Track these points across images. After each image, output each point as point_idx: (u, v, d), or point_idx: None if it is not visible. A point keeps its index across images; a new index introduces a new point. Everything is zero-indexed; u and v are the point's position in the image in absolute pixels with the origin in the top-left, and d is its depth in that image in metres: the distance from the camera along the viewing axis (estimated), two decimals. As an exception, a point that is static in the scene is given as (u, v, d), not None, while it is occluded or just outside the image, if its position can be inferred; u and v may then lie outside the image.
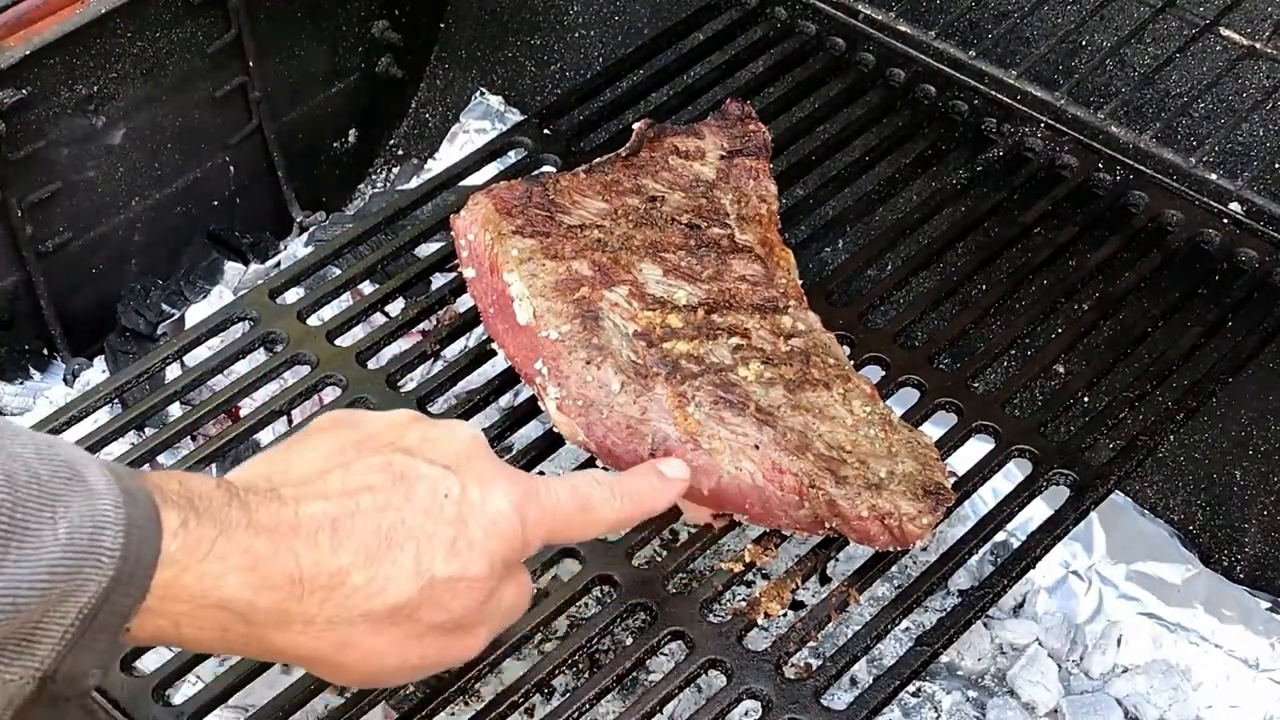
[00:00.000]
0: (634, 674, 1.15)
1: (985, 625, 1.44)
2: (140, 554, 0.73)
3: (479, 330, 1.31)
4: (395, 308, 1.45)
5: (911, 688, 1.37)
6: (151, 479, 0.78)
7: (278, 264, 1.79)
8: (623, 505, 0.96)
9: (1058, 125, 1.44)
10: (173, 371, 1.36)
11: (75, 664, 0.71)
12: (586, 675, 1.32)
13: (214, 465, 1.28)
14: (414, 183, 1.89)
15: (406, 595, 0.83)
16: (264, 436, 1.34)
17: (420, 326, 1.37)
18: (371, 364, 1.29)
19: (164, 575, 0.75)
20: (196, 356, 1.35)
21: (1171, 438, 1.30)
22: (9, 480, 0.69)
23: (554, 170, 1.43)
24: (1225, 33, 1.48)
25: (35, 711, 0.71)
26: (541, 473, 1.37)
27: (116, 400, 1.32)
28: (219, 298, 1.74)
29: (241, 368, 1.32)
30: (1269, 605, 1.44)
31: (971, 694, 1.39)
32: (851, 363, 1.23)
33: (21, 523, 0.68)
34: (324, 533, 0.82)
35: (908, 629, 1.40)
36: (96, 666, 0.72)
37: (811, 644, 1.29)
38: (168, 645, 0.85)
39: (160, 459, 1.31)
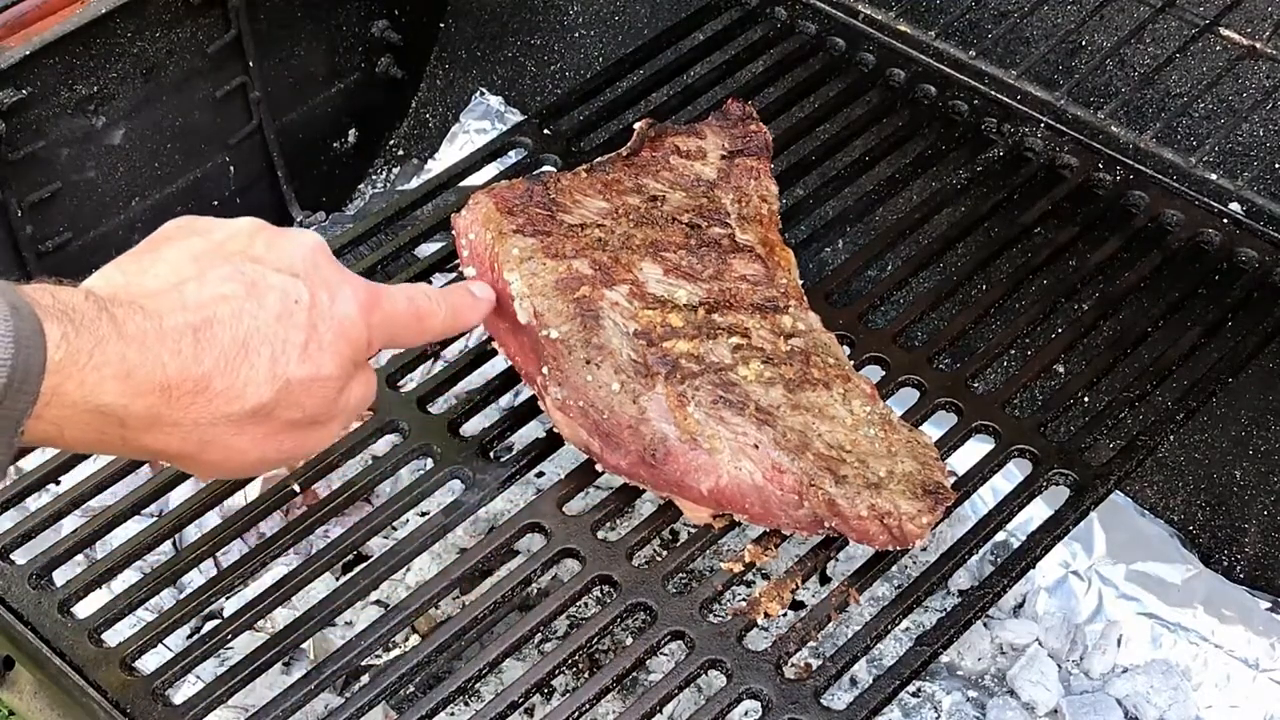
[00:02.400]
0: (634, 674, 1.15)
1: (985, 625, 1.44)
2: (29, 363, 0.78)
3: (479, 330, 1.31)
4: (395, 308, 1.45)
5: (911, 688, 1.37)
6: (27, 292, 0.83)
7: (278, 264, 1.79)
8: (446, 315, 1.05)
9: (1058, 125, 1.44)
10: (173, 371, 1.36)
11: None
12: (586, 675, 1.32)
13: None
14: (414, 183, 1.89)
15: (264, 398, 0.90)
16: (264, 436, 1.33)
17: (420, 326, 1.37)
18: (371, 364, 1.29)
19: (49, 383, 0.81)
20: (196, 356, 1.35)
21: (1171, 438, 1.30)
22: None
23: (554, 170, 1.43)
24: (1225, 33, 1.48)
25: None
26: (542, 474, 1.38)
27: (116, 400, 1.32)
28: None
29: (241, 368, 1.31)
30: (1269, 605, 1.44)
31: (971, 694, 1.39)
32: (851, 363, 1.23)
33: None
34: (187, 341, 0.88)
35: (908, 629, 1.40)
36: None
37: (811, 644, 1.29)
38: (51, 446, 0.92)
39: (160, 459, 1.31)
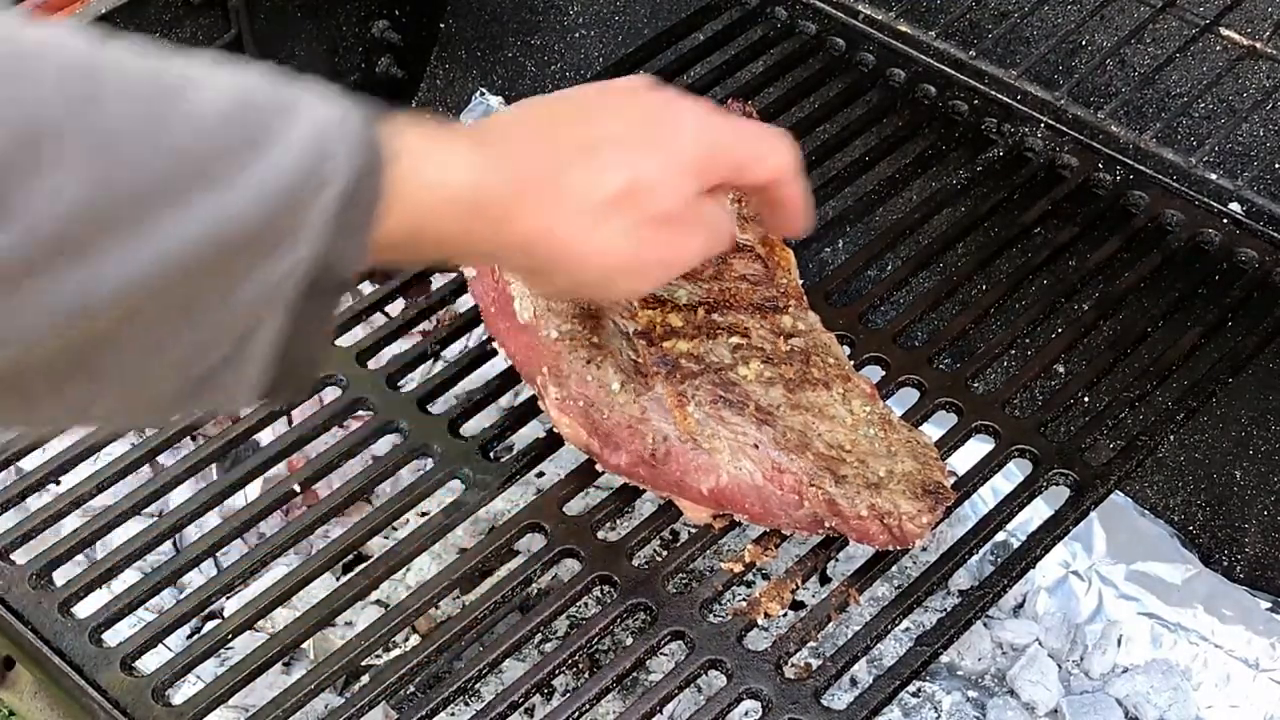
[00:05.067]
0: (634, 674, 1.15)
1: (985, 625, 1.44)
2: (379, 148, 0.77)
3: (479, 330, 1.31)
4: (395, 308, 1.45)
5: (911, 688, 1.37)
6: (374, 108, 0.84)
7: (278, 264, 1.79)
8: (778, 156, 1.02)
9: (1058, 125, 1.44)
10: (173, 371, 1.36)
11: (338, 249, 0.75)
12: (586, 675, 1.32)
13: (214, 465, 1.28)
14: (414, 183, 1.89)
15: (619, 184, 0.91)
16: (264, 436, 1.34)
17: (420, 326, 1.38)
18: (371, 364, 1.29)
19: (409, 163, 0.81)
20: (196, 356, 1.35)
21: (1171, 438, 1.30)
22: (262, 82, 0.74)
23: (554, 170, 1.42)
24: (1225, 33, 1.48)
25: (302, 305, 0.75)
26: (542, 474, 1.38)
27: (116, 400, 1.32)
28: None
29: (241, 368, 1.31)
30: (1269, 605, 1.44)
31: (971, 694, 1.39)
32: (851, 362, 1.23)
33: (264, 127, 0.72)
34: (540, 134, 0.92)
35: (908, 629, 1.40)
36: (357, 251, 0.77)
37: (811, 644, 1.29)
38: (414, 252, 0.88)
39: (160, 459, 1.31)
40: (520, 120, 0.95)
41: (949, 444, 1.21)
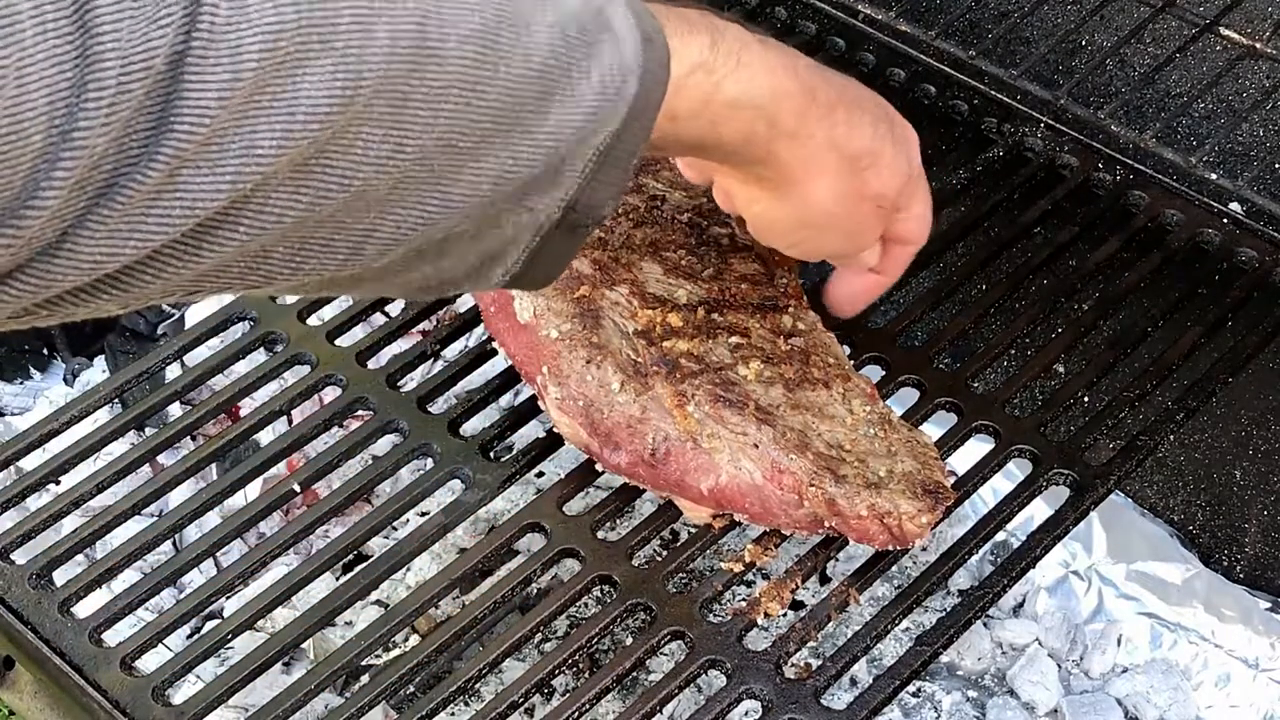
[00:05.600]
0: (634, 674, 1.15)
1: (985, 625, 1.44)
2: (651, 98, 0.83)
3: (479, 330, 1.31)
4: (395, 307, 1.45)
5: (911, 688, 1.37)
6: (678, 13, 0.90)
7: (278, 264, 1.79)
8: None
9: (1058, 125, 1.44)
10: (173, 371, 1.37)
11: (593, 195, 0.82)
12: (586, 675, 1.32)
13: (214, 465, 1.28)
14: (414, 183, 1.89)
15: (867, 145, 1.00)
16: (264, 436, 1.34)
17: (420, 326, 1.38)
18: (371, 364, 1.29)
19: (707, 84, 0.90)
20: (196, 356, 1.35)
21: (1171, 438, 1.30)
22: (563, 33, 0.78)
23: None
24: (1225, 32, 1.48)
25: (556, 235, 0.82)
26: (542, 473, 1.37)
27: (116, 400, 1.32)
28: (219, 297, 1.74)
29: (241, 367, 1.32)
30: (1269, 605, 1.44)
31: (971, 694, 1.39)
32: (851, 362, 1.23)
33: (567, 73, 0.78)
34: (816, 72, 0.99)
35: (908, 629, 1.40)
36: (610, 198, 0.83)
37: (811, 644, 1.29)
38: (700, 154, 1.00)
39: (160, 459, 1.31)
40: (788, 53, 0.98)
41: (949, 444, 1.21)
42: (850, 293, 1.17)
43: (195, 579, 1.33)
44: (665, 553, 1.26)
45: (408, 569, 1.30)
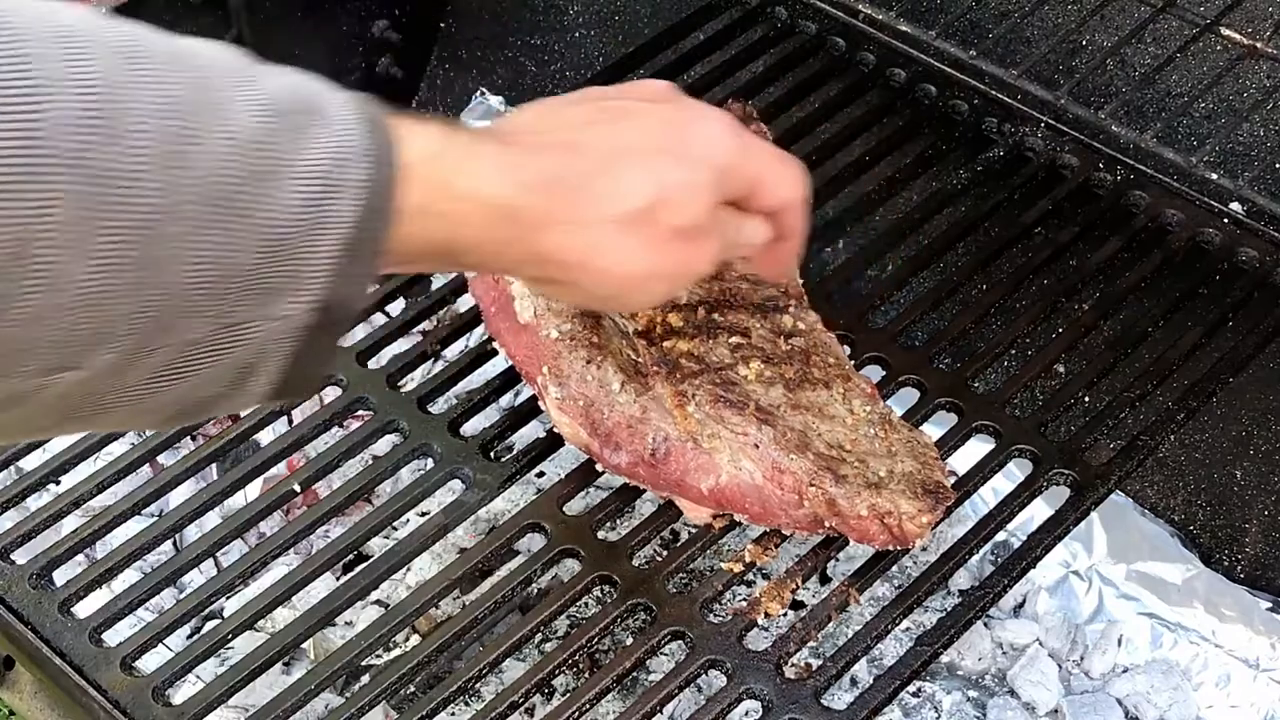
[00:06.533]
0: (634, 674, 1.15)
1: (985, 625, 1.44)
2: (384, 181, 0.77)
3: (479, 330, 1.31)
4: (395, 308, 1.45)
5: (912, 688, 1.37)
6: (399, 110, 0.83)
7: (278, 264, 1.79)
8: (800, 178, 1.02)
9: (1058, 125, 1.44)
10: (173, 371, 1.36)
11: (342, 291, 0.76)
12: (586, 675, 1.32)
13: (214, 465, 1.28)
14: (414, 183, 1.89)
15: (646, 197, 0.91)
16: (264, 436, 1.34)
17: (420, 326, 1.38)
18: (372, 364, 1.29)
19: (437, 175, 0.82)
20: (196, 356, 1.35)
21: (1172, 438, 1.30)
22: (273, 112, 0.73)
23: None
24: (1226, 32, 1.48)
25: (313, 336, 0.76)
26: (542, 473, 1.37)
27: (116, 400, 1.32)
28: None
29: (241, 367, 1.31)
30: (1269, 605, 1.44)
31: (972, 694, 1.39)
32: (851, 362, 1.23)
33: (280, 154, 0.73)
34: (566, 149, 0.91)
35: (908, 629, 1.40)
36: (361, 291, 0.78)
37: (811, 644, 1.29)
38: (441, 262, 0.90)
39: (160, 459, 1.31)
40: (544, 123, 0.94)
41: (949, 444, 1.21)
42: (770, 266, 1.09)
43: (195, 579, 1.33)
44: (665, 553, 1.26)
45: (408, 569, 1.30)
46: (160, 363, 0.72)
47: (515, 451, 1.24)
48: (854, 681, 1.37)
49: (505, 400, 1.38)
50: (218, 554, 1.21)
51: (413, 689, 1.26)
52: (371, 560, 1.19)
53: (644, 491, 1.18)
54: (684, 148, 0.95)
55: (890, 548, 1.11)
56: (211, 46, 0.75)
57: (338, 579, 1.37)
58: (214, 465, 1.29)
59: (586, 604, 1.34)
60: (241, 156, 0.71)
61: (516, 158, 0.88)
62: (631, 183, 0.91)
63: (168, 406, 0.76)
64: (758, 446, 1.11)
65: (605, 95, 0.99)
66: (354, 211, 0.75)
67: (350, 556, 1.26)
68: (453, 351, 1.37)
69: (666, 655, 1.20)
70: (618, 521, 1.30)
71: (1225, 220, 1.37)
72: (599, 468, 1.18)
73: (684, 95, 1.00)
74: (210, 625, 1.29)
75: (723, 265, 1.25)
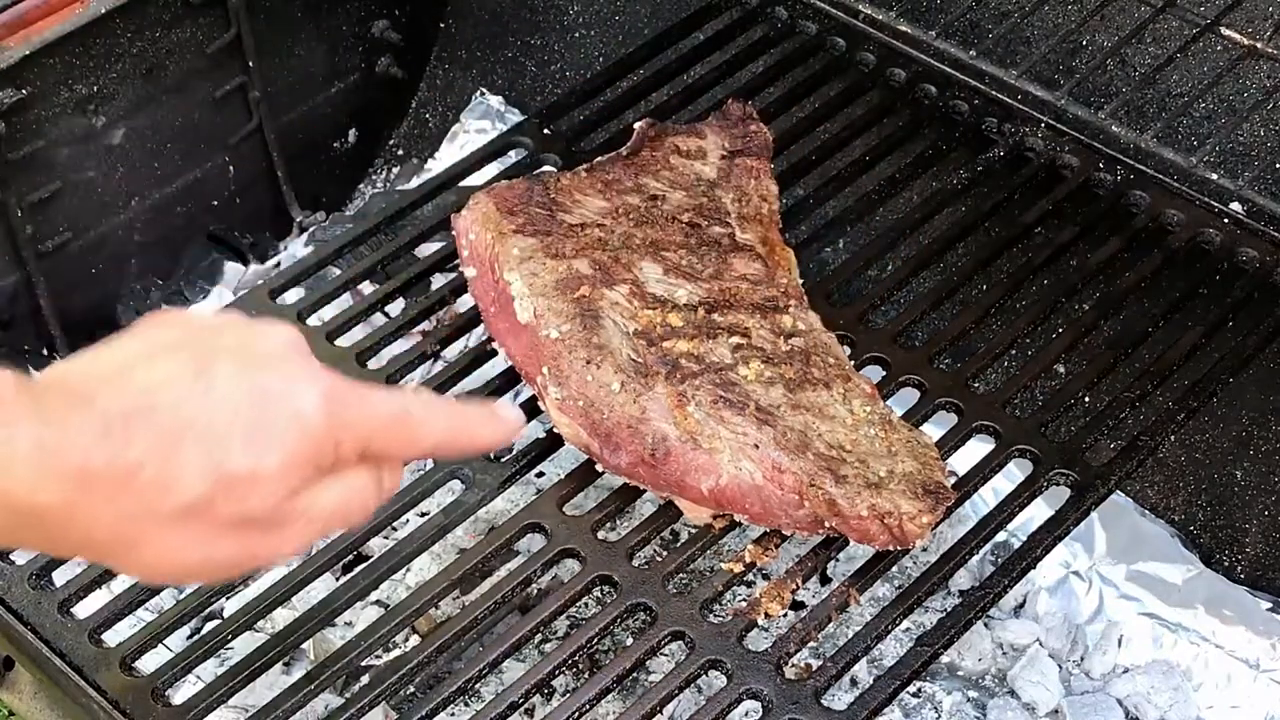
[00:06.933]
0: (634, 674, 1.15)
1: (986, 625, 1.44)
2: None
3: (479, 330, 1.30)
4: (395, 308, 1.45)
5: (912, 688, 1.37)
6: None
7: (278, 264, 1.79)
8: (446, 429, 0.92)
9: (1058, 125, 1.44)
10: (173, 371, 1.36)
11: None
12: (586, 675, 1.32)
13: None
14: (414, 183, 1.89)
15: (198, 491, 0.81)
16: (264, 436, 1.33)
17: (420, 326, 1.37)
18: (371, 364, 1.29)
19: None
20: (196, 356, 1.34)
21: (1172, 438, 1.30)
22: None
23: (554, 170, 1.42)
24: (1226, 33, 1.48)
25: None
26: (542, 474, 1.37)
27: (116, 400, 1.31)
28: (219, 298, 1.74)
29: (241, 368, 1.31)
30: (1270, 605, 1.44)
31: (972, 694, 1.39)
32: (852, 362, 1.23)
33: None
34: (117, 425, 0.80)
35: (908, 629, 1.40)
36: None
37: (812, 644, 1.29)
38: None
39: (160, 459, 1.30)
40: (115, 377, 0.82)
41: (949, 444, 1.21)
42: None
43: (195, 579, 1.33)
44: (665, 553, 1.26)
45: (408, 569, 1.29)
46: None
47: (515, 451, 1.24)
48: (854, 682, 1.37)
49: (505, 400, 1.38)
50: (218, 554, 1.21)
51: (413, 689, 1.26)
52: (371, 560, 1.19)
53: (644, 491, 1.18)
54: (259, 429, 0.83)
55: (890, 548, 1.11)
56: None
57: (337, 579, 1.37)
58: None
59: (586, 604, 1.34)
60: None
61: (53, 438, 0.78)
62: (186, 472, 0.80)
63: None
64: (758, 447, 1.11)
65: (183, 354, 0.85)
66: None
67: (350, 557, 1.26)
68: (453, 351, 1.37)
69: (666, 656, 1.19)
70: (618, 521, 1.30)
71: (1225, 220, 1.37)
72: (599, 468, 1.18)
73: (285, 351, 0.88)
74: (210, 625, 1.29)
75: (723, 265, 1.25)
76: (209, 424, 0.82)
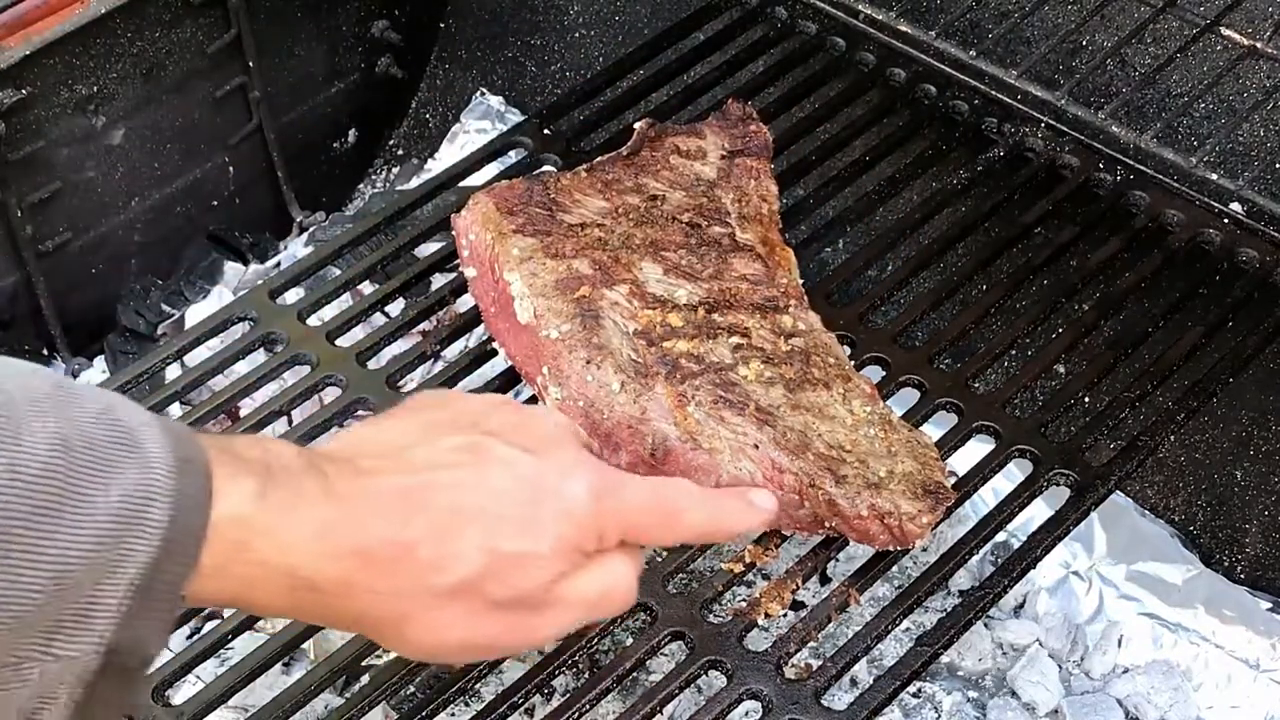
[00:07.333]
0: (634, 674, 1.15)
1: (986, 625, 1.44)
2: (189, 525, 0.73)
3: (479, 330, 1.30)
4: (395, 308, 1.45)
5: (912, 688, 1.37)
6: (229, 445, 0.79)
7: (278, 264, 1.79)
8: (708, 517, 0.95)
9: (1058, 125, 1.44)
10: (173, 372, 1.36)
11: (134, 635, 0.72)
12: (586, 675, 1.32)
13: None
14: (414, 183, 1.89)
15: (470, 570, 0.83)
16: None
17: (420, 326, 1.37)
18: (371, 364, 1.29)
19: (239, 537, 0.77)
20: (196, 357, 1.35)
21: (1172, 438, 1.30)
22: (65, 446, 0.70)
23: (554, 170, 1.42)
24: (1226, 32, 1.48)
25: (103, 683, 0.71)
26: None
27: (116, 400, 1.31)
28: (219, 298, 1.74)
29: (241, 368, 1.32)
30: (1270, 606, 1.44)
31: (972, 694, 1.39)
32: (852, 363, 1.23)
33: (74, 490, 0.69)
34: (396, 504, 0.83)
35: (908, 629, 1.40)
36: (156, 635, 0.73)
37: (812, 644, 1.29)
38: (238, 607, 0.88)
39: (160, 459, 1.30)
40: (397, 456, 0.85)
41: (949, 444, 1.21)
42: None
43: (195, 579, 1.33)
44: (665, 553, 1.26)
45: (408, 569, 1.29)
46: None
47: (515, 452, 1.24)
48: (854, 682, 1.37)
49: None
50: (217, 554, 1.21)
51: (413, 689, 1.26)
52: (371, 560, 1.19)
53: (644, 492, 1.17)
54: (533, 513, 0.86)
55: (890, 548, 1.11)
56: (21, 370, 0.72)
57: (337, 579, 1.37)
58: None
59: (586, 604, 1.33)
60: (28, 493, 0.68)
61: (336, 516, 0.80)
62: (461, 553, 0.83)
63: None
64: (758, 447, 1.11)
65: (473, 418, 0.89)
66: (149, 552, 0.71)
67: (350, 557, 1.26)
68: (453, 351, 1.37)
69: (666, 656, 1.19)
70: (618, 522, 1.29)
71: (1225, 220, 1.37)
72: (599, 468, 1.18)
73: (557, 437, 0.91)
74: (210, 625, 1.29)
75: (723, 265, 1.25)
76: (484, 506, 0.85)
